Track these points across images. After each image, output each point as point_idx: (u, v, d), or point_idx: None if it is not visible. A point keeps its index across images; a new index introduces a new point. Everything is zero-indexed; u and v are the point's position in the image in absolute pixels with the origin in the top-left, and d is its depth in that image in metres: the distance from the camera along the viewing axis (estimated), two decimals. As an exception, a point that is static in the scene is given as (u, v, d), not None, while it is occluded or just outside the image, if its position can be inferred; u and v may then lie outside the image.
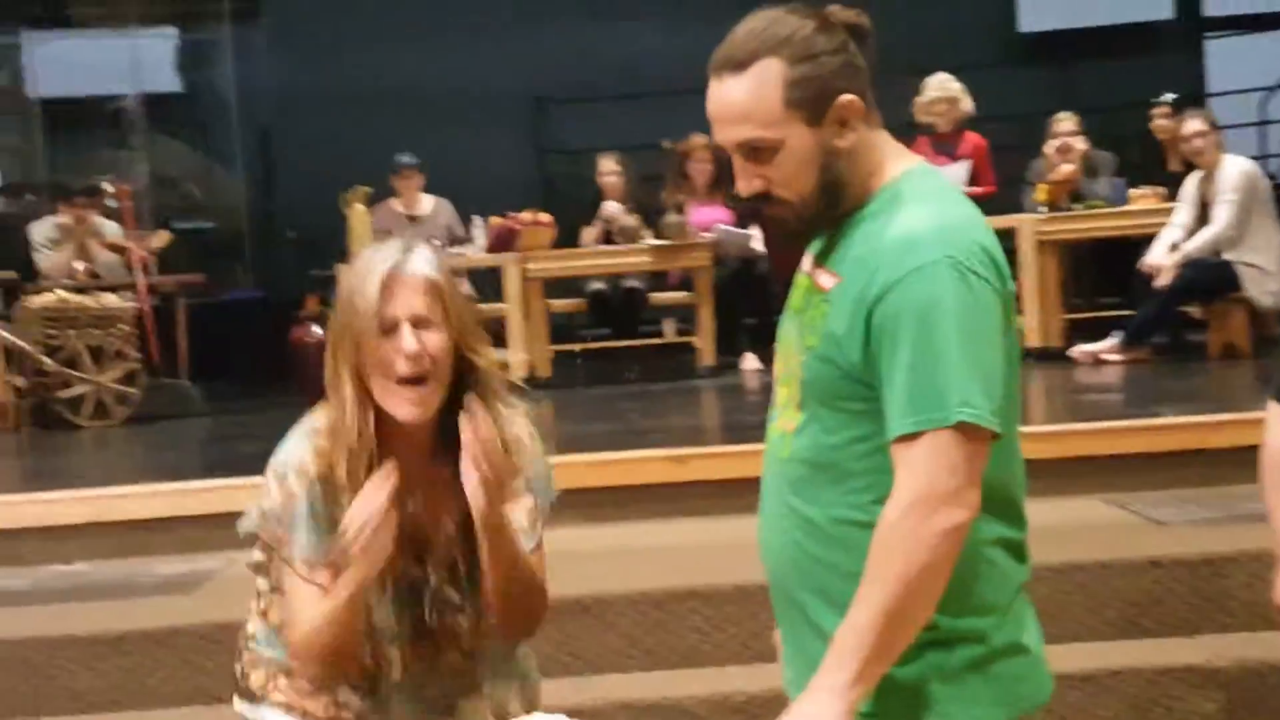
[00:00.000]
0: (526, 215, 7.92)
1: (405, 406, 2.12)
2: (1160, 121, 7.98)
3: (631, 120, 9.80)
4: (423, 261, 2.16)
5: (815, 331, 1.87)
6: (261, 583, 2.27)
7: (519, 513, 2.21)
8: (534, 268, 7.77)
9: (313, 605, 2.12)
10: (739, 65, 1.84)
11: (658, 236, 7.85)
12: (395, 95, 11.14)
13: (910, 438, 1.77)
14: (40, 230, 8.21)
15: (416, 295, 2.13)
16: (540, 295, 7.88)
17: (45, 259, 8.07)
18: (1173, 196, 7.30)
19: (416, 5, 11.48)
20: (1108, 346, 7.02)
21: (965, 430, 1.75)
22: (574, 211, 8.46)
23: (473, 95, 11.24)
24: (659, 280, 8.33)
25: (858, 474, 1.85)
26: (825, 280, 1.89)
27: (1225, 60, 11.85)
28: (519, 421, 2.25)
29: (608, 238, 8.10)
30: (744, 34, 1.85)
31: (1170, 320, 7.25)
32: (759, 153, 1.85)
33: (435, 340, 2.13)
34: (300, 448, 2.18)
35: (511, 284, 7.70)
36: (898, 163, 1.90)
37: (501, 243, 7.87)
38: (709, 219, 7.99)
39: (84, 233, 8.08)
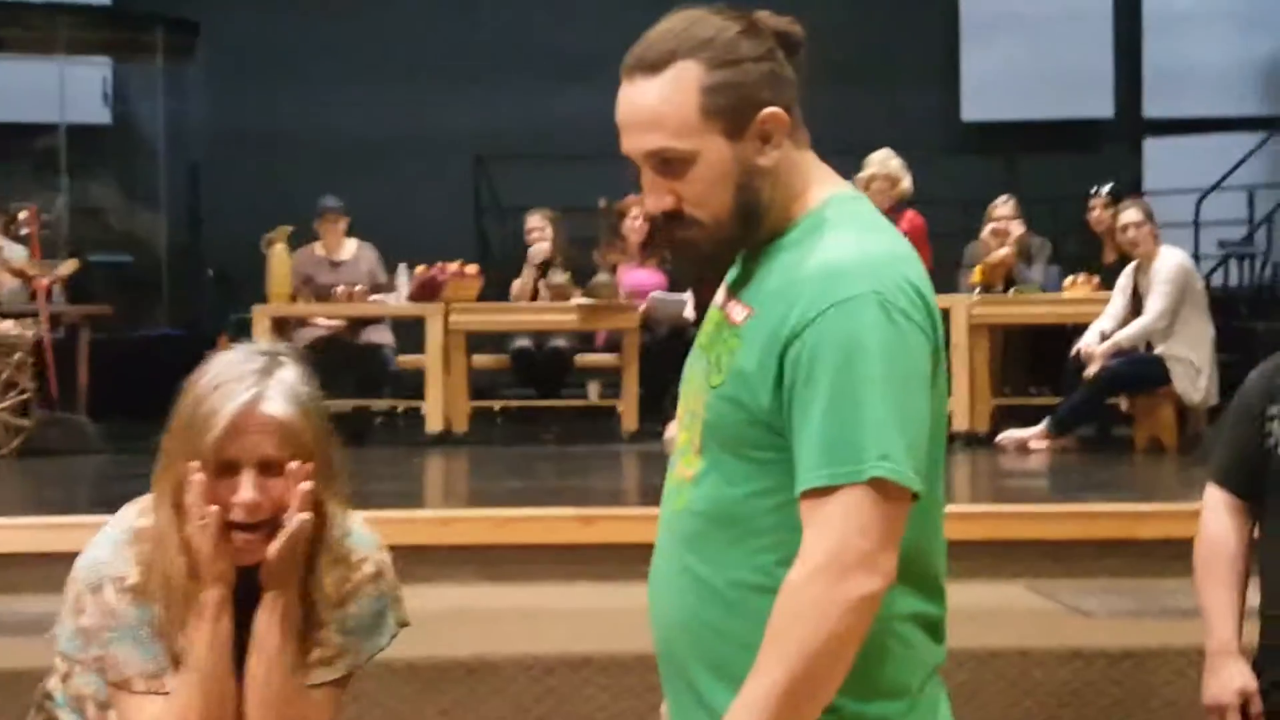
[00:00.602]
0: (453, 266, 7.74)
1: (233, 549, 1.90)
2: (1097, 212, 7.97)
3: (570, 180, 9.68)
4: (281, 397, 1.90)
5: (722, 369, 1.68)
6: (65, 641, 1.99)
7: (321, 646, 1.98)
8: (457, 320, 7.57)
9: (169, 705, 1.89)
10: (653, 67, 1.66)
11: (587, 296, 7.69)
12: (330, 140, 11.00)
13: (821, 492, 1.58)
14: (-60, 254, 7.91)
15: (267, 438, 1.88)
16: (463, 348, 7.67)
17: (-58, 281, 7.77)
18: (1107, 287, 7.26)
19: (357, 52, 11.36)
20: (1034, 434, 6.93)
21: (882, 487, 1.57)
22: (508, 271, 8.30)
23: (410, 147, 11.12)
24: (586, 341, 8.17)
25: (761, 531, 1.65)
26: (737, 313, 1.70)
27: (1162, 161, 12.01)
28: (366, 563, 2.01)
29: (535, 293, 7.93)
30: (661, 33, 1.67)
31: (1097, 412, 7.17)
32: (670, 165, 1.66)
33: (281, 486, 1.89)
34: (116, 556, 1.93)
35: (433, 335, 7.49)
36: (824, 187, 1.72)
37: (425, 292, 7.67)
38: (642, 281, 7.85)
39: (-16, 255, 7.79)
